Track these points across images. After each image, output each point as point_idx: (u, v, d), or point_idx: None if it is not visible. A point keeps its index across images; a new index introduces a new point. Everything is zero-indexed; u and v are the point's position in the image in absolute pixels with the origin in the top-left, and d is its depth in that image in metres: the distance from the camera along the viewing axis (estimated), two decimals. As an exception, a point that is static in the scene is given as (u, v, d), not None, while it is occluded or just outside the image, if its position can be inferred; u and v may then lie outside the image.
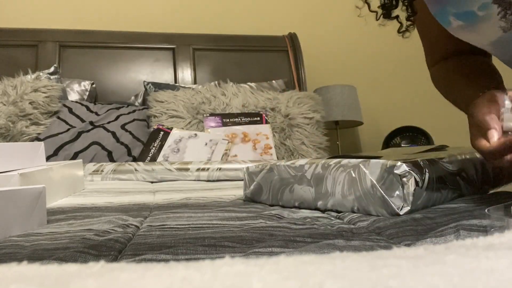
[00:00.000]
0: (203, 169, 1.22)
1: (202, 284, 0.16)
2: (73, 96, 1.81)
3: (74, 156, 1.44)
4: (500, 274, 0.18)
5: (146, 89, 1.88)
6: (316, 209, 0.64)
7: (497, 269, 0.19)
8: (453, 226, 0.44)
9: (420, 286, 0.17)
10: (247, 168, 0.77)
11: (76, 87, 1.84)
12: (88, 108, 1.65)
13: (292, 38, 2.17)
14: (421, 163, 0.57)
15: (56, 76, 1.77)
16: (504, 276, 0.18)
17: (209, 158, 1.43)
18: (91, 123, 1.57)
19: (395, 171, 0.54)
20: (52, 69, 1.78)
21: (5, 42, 1.86)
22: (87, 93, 1.84)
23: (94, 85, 1.88)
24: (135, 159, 1.50)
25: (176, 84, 1.92)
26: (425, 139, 2.11)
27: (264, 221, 0.54)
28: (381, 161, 0.56)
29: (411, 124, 2.20)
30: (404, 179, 0.54)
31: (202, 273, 0.17)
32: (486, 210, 0.43)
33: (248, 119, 1.68)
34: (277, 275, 0.17)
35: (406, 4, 0.72)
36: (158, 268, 0.18)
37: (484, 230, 0.43)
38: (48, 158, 1.39)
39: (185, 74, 2.04)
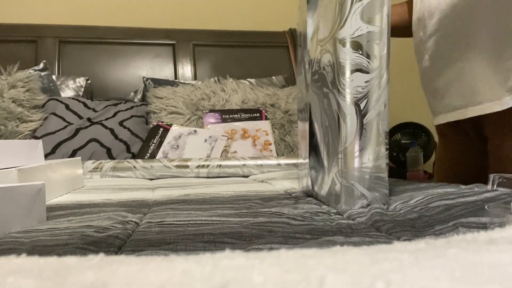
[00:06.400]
0: (202, 166, 1.22)
1: (202, 276, 0.16)
2: (68, 93, 1.79)
3: (73, 154, 1.43)
4: (502, 268, 0.18)
5: (145, 85, 1.87)
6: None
7: (499, 263, 0.19)
8: (452, 224, 0.44)
9: (422, 280, 0.17)
10: None
11: (71, 83, 1.83)
12: (85, 105, 1.64)
13: (293, 33, 2.16)
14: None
15: (46, 72, 1.74)
16: (506, 270, 0.18)
17: (208, 154, 1.43)
18: (89, 119, 1.56)
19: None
20: (41, 65, 1.75)
21: (4, 37, 1.85)
22: (82, 89, 1.83)
23: (89, 81, 1.87)
24: (134, 156, 1.49)
25: (176, 80, 1.91)
26: (426, 135, 2.11)
27: (264, 218, 0.54)
28: None
29: (412, 120, 2.20)
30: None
31: (203, 266, 0.16)
32: (486, 207, 0.43)
33: (248, 115, 1.67)
34: (278, 268, 0.17)
35: None
36: (158, 261, 0.18)
37: (483, 227, 0.43)
38: (46, 156, 1.38)
39: (185, 70, 2.03)
